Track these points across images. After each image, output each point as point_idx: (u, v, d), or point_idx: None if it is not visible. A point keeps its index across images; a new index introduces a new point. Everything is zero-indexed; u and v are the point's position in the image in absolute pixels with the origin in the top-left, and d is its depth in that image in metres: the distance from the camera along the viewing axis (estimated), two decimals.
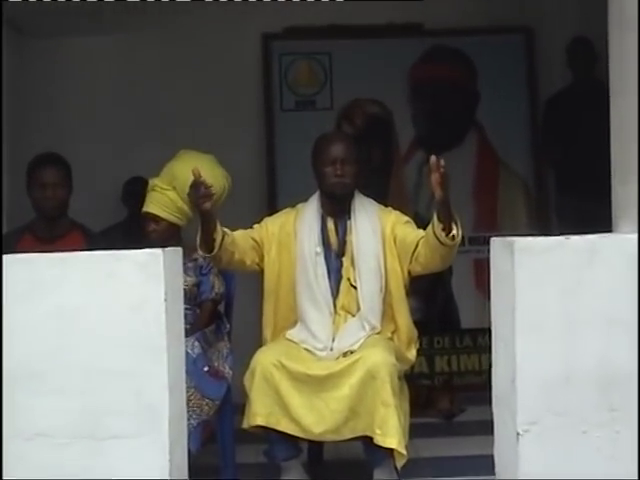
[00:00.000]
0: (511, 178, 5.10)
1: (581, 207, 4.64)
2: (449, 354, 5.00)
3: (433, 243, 3.17)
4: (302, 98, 5.08)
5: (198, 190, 3.15)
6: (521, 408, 2.44)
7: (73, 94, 4.90)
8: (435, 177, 3.04)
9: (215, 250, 3.23)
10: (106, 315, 2.45)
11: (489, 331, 5.70)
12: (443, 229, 3.13)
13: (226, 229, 3.27)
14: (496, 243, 2.66)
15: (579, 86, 4.85)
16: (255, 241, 3.35)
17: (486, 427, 2.67)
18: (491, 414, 2.66)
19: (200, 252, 3.27)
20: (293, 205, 3.48)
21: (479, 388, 4.81)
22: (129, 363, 2.44)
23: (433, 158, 3.05)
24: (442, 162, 3.03)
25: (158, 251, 2.48)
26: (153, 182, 3.50)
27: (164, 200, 3.45)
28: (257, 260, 3.35)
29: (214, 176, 3.34)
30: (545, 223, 5.01)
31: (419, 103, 5.10)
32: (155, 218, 3.47)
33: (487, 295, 5.40)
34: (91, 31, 4.78)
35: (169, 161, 3.56)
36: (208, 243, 3.24)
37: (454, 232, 3.13)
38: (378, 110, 5.04)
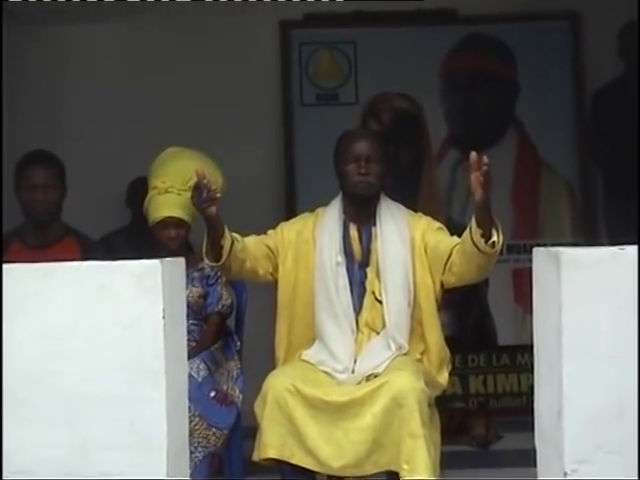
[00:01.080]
0: (554, 180, 5.03)
1: (633, 213, 4.53)
2: (485, 374, 4.93)
3: (470, 251, 3.06)
4: (324, 92, 5.05)
5: (201, 193, 3.07)
6: (569, 444, 2.32)
7: (69, 86, 4.88)
8: (476, 176, 2.94)
9: (223, 259, 3.15)
10: (97, 334, 2.35)
11: (529, 348, 5.54)
12: (482, 235, 3.02)
13: (236, 235, 3.20)
14: (540, 254, 2.57)
15: (631, 77, 4.74)
16: (269, 249, 3.28)
17: (526, 457, 2.59)
18: (532, 442, 2.56)
19: (207, 261, 3.19)
20: (312, 210, 3.39)
21: (518, 412, 4.82)
22: (122, 389, 2.33)
23: (474, 154, 2.94)
24: (485, 159, 2.92)
25: (156, 262, 2.37)
26: (164, 183, 3.42)
27: (183, 202, 3.38)
28: (271, 270, 3.28)
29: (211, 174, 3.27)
30: (592, 230, 4.94)
31: (452, 97, 5.06)
32: (177, 223, 3.40)
33: (527, 309, 5.29)
34: (89, 17, 4.76)
35: (166, 160, 3.49)
36: (215, 251, 3.15)
37: (494, 238, 3.03)
38: (407, 105, 4.99)
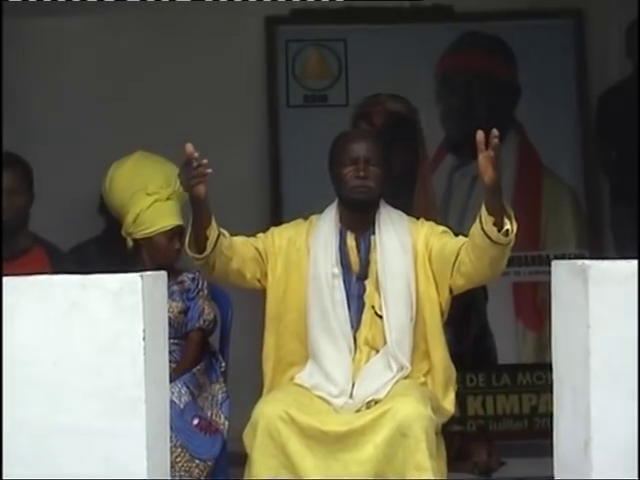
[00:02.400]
0: (557, 187, 4.95)
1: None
2: (484, 394, 4.82)
3: (481, 244, 2.94)
4: (312, 92, 4.96)
5: (190, 169, 2.91)
6: (597, 478, 2.21)
7: (38, 84, 4.77)
8: (485, 155, 2.85)
9: (208, 250, 3.00)
10: (68, 358, 2.25)
11: (531, 367, 5.38)
12: (494, 224, 2.90)
13: (224, 230, 3.07)
14: (561, 267, 2.43)
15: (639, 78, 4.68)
16: (258, 252, 3.15)
17: None
18: (537, 469, 2.44)
19: (189, 253, 3.03)
20: (306, 217, 3.26)
21: (519, 435, 4.72)
22: (97, 420, 2.23)
23: (480, 133, 2.86)
24: (495, 132, 2.84)
25: (135, 277, 2.26)
26: (162, 189, 3.35)
27: (178, 209, 3.34)
28: (258, 275, 3.15)
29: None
30: (598, 241, 4.86)
31: (449, 99, 4.98)
32: (181, 232, 3.30)
33: (529, 325, 5.17)
34: (61, 10, 4.65)
35: (144, 165, 3.45)
36: (200, 243, 3.00)
37: (508, 227, 2.91)
38: (401, 107, 4.90)
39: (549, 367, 5.07)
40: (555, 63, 4.89)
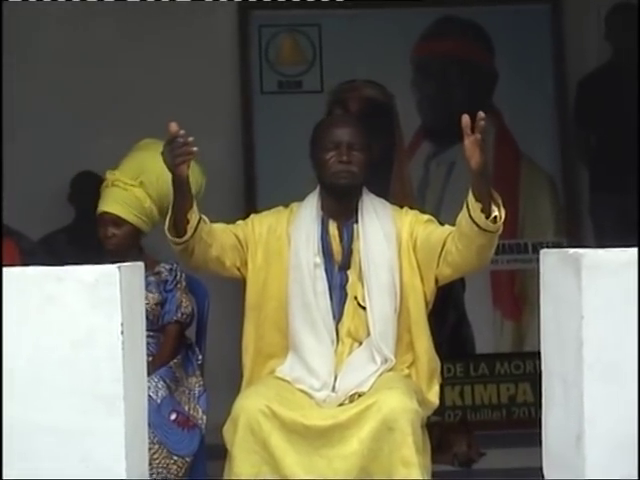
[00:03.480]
0: (535, 174, 4.94)
1: (622, 210, 4.50)
2: (462, 384, 4.81)
3: (469, 232, 2.89)
4: (286, 79, 4.93)
5: (175, 147, 2.84)
6: (591, 473, 2.16)
7: (5, 69, 4.64)
8: (471, 140, 2.81)
9: (188, 235, 2.93)
10: (43, 354, 2.17)
11: (509, 357, 5.35)
12: (482, 210, 2.86)
13: (204, 216, 3.00)
14: (550, 256, 2.36)
15: (620, 64, 4.69)
16: (238, 240, 3.08)
17: (513, 476, 2.42)
18: (516, 460, 2.39)
19: (169, 236, 2.97)
20: (286, 204, 3.20)
21: (497, 426, 4.71)
22: (73, 418, 2.16)
23: (466, 117, 2.81)
24: (482, 114, 2.80)
25: (112, 268, 2.18)
26: (113, 175, 3.28)
27: (128, 198, 3.24)
28: (238, 263, 3.08)
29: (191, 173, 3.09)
30: (576, 229, 4.86)
31: (425, 85, 4.97)
32: (116, 220, 3.24)
33: (506, 314, 5.14)
34: None
35: (130, 152, 3.37)
36: (180, 227, 2.93)
37: (496, 213, 2.86)
38: (376, 94, 4.86)
39: (527, 356, 5.05)
40: (533, 48, 4.90)
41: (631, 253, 2.22)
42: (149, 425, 2.46)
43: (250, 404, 2.87)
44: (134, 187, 3.21)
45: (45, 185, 4.63)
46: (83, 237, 4.23)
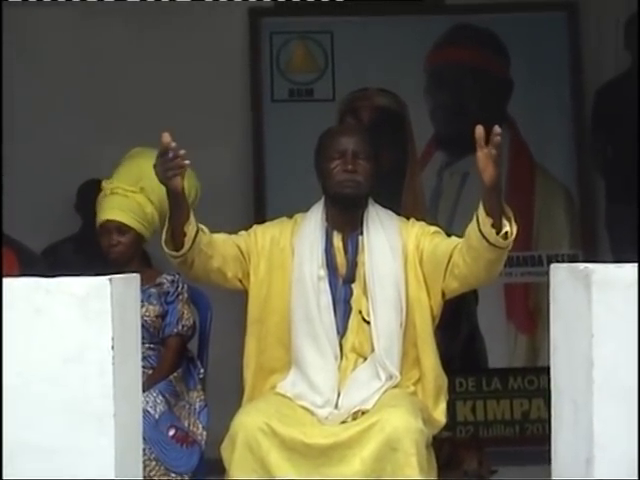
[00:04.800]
0: (550, 185, 4.89)
1: (638, 221, 4.36)
2: (474, 399, 4.75)
3: (478, 246, 2.84)
4: (297, 86, 4.90)
5: (167, 160, 2.81)
6: None
7: (10, 76, 4.62)
8: (485, 152, 2.77)
9: (185, 248, 2.89)
10: (32, 369, 2.13)
11: (522, 372, 5.26)
12: (492, 225, 2.81)
13: (203, 226, 2.96)
14: (560, 271, 2.30)
15: (638, 73, 4.60)
16: (240, 251, 3.04)
17: None
18: (529, 477, 2.33)
19: (166, 250, 2.93)
20: (290, 215, 3.15)
21: (510, 442, 4.63)
22: (62, 436, 2.12)
23: (480, 128, 2.77)
24: (498, 129, 2.77)
25: (103, 280, 2.13)
26: (111, 184, 3.27)
27: (130, 204, 3.23)
28: (240, 275, 3.04)
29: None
30: (592, 241, 4.80)
31: (439, 94, 4.93)
32: (120, 227, 3.22)
33: (520, 328, 5.06)
34: (42, 3, 4.59)
35: (124, 160, 3.36)
36: (177, 239, 2.89)
37: (507, 229, 2.80)
38: (389, 102, 4.80)
39: (541, 371, 4.96)
40: (549, 57, 4.86)
41: None
42: (146, 441, 2.48)
43: (249, 421, 2.82)
44: (135, 193, 3.19)
45: (52, 194, 4.62)
46: (89, 246, 4.19)
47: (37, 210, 4.51)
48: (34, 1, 4.56)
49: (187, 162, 2.81)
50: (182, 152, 2.81)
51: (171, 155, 2.80)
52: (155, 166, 2.85)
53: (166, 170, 2.81)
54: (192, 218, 2.89)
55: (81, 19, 4.72)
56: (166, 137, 2.81)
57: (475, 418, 4.71)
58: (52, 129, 4.68)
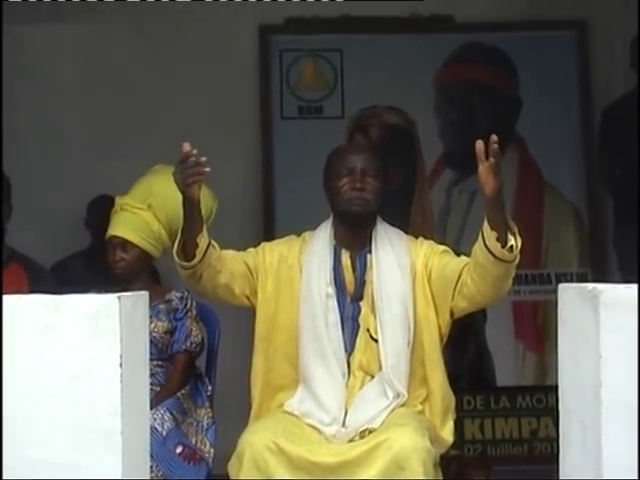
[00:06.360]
0: (559, 203, 4.86)
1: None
2: (482, 418, 4.71)
3: (485, 262, 2.83)
4: (306, 104, 4.89)
5: (187, 167, 2.80)
6: None
7: (21, 93, 4.66)
8: (485, 165, 2.76)
9: (197, 259, 2.88)
10: (39, 386, 2.11)
11: (531, 390, 5.23)
12: (497, 239, 2.80)
13: (213, 242, 2.96)
14: (569, 292, 2.28)
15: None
16: (248, 268, 3.03)
17: None
18: None
19: (177, 260, 2.92)
20: (298, 233, 3.14)
21: (518, 461, 4.58)
22: (70, 453, 2.10)
23: (480, 143, 2.77)
24: (494, 138, 2.75)
25: (112, 298, 2.12)
26: (122, 200, 3.27)
27: (136, 221, 3.22)
28: (247, 292, 3.04)
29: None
30: (601, 260, 4.75)
31: (448, 112, 4.89)
32: (124, 244, 3.22)
33: (529, 346, 5.03)
34: (47, 17, 4.60)
35: (142, 177, 3.35)
36: (189, 250, 2.88)
37: (512, 242, 2.80)
38: (398, 120, 4.82)
39: (550, 390, 4.94)
40: (557, 76, 4.83)
41: None
42: (153, 458, 2.47)
43: (256, 439, 2.80)
44: (142, 210, 3.19)
45: (61, 210, 4.60)
46: (99, 262, 4.19)
47: (47, 225, 4.49)
48: (39, 17, 4.56)
49: (207, 169, 2.81)
50: (203, 159, 2.80)
51: (191, 162, 2.80)
52: (174, 173, 2.84)
53: (186, 177, 2.80)
54: (205, 231, 2.89)
55: (89, 35, 4.71)
56: (186, 146, 2.81)
57: (483, 436, 4.67)
58: (62, 144, 4.67)
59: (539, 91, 4.82)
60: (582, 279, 4.64)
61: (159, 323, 3.18)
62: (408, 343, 2.96)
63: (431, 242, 3.09)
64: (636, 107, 4.50)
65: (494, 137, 2.74)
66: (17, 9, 4.34)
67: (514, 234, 2.81)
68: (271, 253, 3.04)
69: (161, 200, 3.14)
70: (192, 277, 2.94)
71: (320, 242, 3.03)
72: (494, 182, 2.76)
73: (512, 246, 2.80)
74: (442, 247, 3.07)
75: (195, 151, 2.81)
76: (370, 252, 3.03)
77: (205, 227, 2.91)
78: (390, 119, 4.78)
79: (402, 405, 2.94)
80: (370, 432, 2.86)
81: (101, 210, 4.44)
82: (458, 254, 3.07)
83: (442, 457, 3.06)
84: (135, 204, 3.20)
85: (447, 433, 3.00)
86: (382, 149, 4.64)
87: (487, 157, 2.77)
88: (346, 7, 4.77)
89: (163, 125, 4.61)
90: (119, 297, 2.11)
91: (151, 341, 2.93)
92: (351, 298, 3.01)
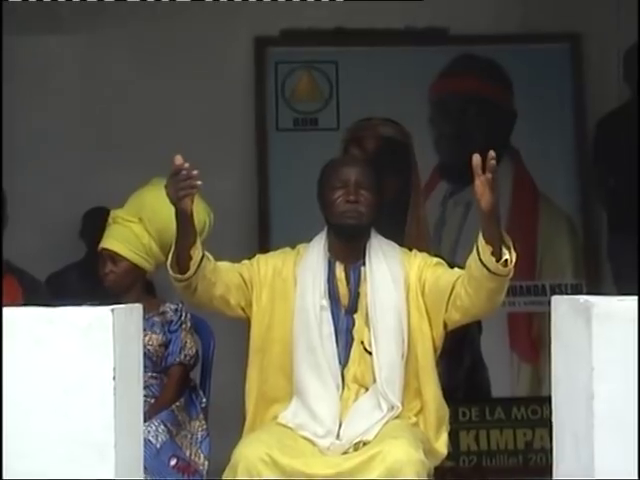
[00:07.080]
0: (553, 215, 4.87)
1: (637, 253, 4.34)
2: (477, 429, 4.71)
3: (479, 275, 2.83)
4: (302, 115, 4.89)
5: (179, 179, 2.80)
6: None
7: (16, 105, 4.64)
8: (481, 180, 2.77)
9: (191, 271, 2.88)
10: (32, 400, 2.11)
11: (526, 401, 5.23)
12: (492, 253, 2.80)
13: (208, 253, 2.95)
14: (562, 304, 2.30)
15: (637, 104, 4.57)
16: (243, 279, 3.03)
17: None
18: None
19: (171, 273, 2.91)
20: (293, 246, 3.14)
21: (513, 472, 4.58)
22: (63, 467, 2.09)
23: (477, 157, 2.77)
24: (492, 154, 2.76)
25: (105, 310, 2.11)
26: (115, 212, 3.28)
27: (126, 234, 3.22)
28: (242, 303, 3.04)
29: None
30: (595, 272, 4.76)
31: (443, 124, 4.91)
32: (113, 257, 3.23)
33: (524, 357, 5.04)
34: (43, 28, 4.60)
35: (137, 190, 3.35)
36: (183, 263, 2.88)
37: (507, 256, 2.79)
38: (393, 132, 4.81)
39: (545, 401, 4.93)
40: (552, 88, 4.85)
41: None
42: (147, 470, 2.45)
43: (250, 451, 2.80)
44: (132, 223, 3.18)
45: (57, 221, 4.59)
46: (93, 274, 4.19)
47: (42, 237, 4.48)
48: (35, 30, 4.57)
49: (199, 183, 2.80)
50: (195, 172, 2.80)
51: (183, 176, 2.80)
52: (166, 186, 2.84)
53: (177, 190, 2.80)
54: (198, 243, 2.88)
55: (87, 48, 4.71)
56: (178, 159, 2.81)
57: (478, 448, 4.66)
58: (57, 156, 4.66)
59: (534, 103, 4.83)
60: (576, 290, 4.64)
61: (153, 335, 3.18)
62: (402, 355, 2.96)
63: (425, 254, 3.09)
64: (629, 119, 4.53)
65: (492, 153, 2.75)
66: (15, 20, 4.33)
67: (509, 248, 2.81)
68: (265, 265, 3.04)
69: (151, 213, 3.14)
70: (187, 289, 2.93)
71: (314, 255, 3.03)
72: (490, 197, 2.77)
73: (507, 260, 2.80)
74: (436, 259, 3.07)
75: (187, 164, 2.80)
76: (364, 265, 3.03)
77: (199, 240, 2.90)
78: (385, 131, 4.78)
79: (396, 417, 2.94)
80: (364, 444, 2.86)
81: (96, 222, 4.44)
82: (452, 266, 3.07)
83: (437, 468, 3.06)
84: (126, 217, 3.20)
85: (441, 445, 3.00)
86: (377, 161, 4.63)
87: (484, 171, 2.77)
88: (341, 19, 4.78)
89: (159, 137, 4.61)
90: (112, 310, 2.11)
91: (145, 353, 2.93)
92: (345, 310, 3.01)
